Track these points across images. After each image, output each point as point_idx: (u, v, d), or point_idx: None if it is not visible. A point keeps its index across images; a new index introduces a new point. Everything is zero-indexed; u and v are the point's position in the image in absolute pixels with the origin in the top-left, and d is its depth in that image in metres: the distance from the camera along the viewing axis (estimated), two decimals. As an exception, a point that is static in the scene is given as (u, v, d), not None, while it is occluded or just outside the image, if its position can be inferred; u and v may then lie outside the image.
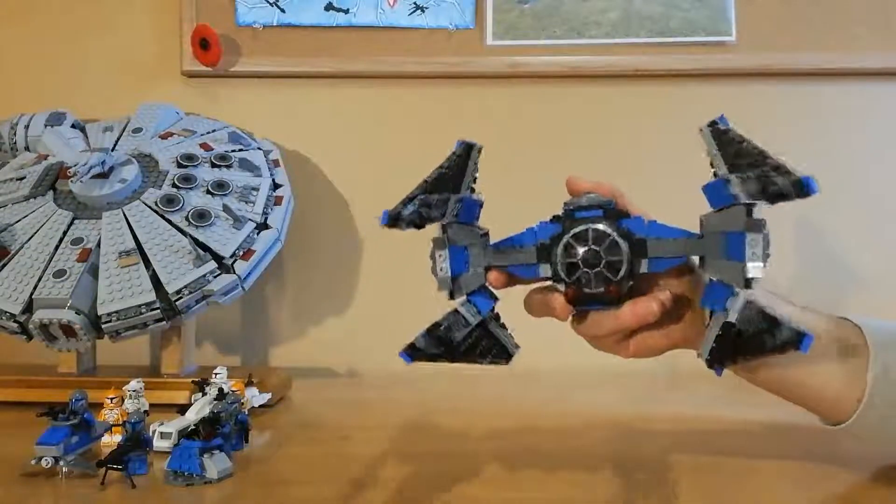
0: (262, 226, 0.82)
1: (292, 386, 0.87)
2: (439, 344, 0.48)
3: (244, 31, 0.99)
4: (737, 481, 0.57)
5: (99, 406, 0.62)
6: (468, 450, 0.65)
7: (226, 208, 0.79)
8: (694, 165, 1.01)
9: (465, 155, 0.56)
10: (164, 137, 0.89)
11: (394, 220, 0.50)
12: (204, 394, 0.65)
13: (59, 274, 0.75)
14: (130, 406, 0.62)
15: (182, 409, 0.62)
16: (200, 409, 0.61)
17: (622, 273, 0.47)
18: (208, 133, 0.91)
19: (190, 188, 0.81)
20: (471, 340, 0.50)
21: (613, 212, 0.49)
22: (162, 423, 0.61)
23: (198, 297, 0.76)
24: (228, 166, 0.85)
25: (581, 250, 0.48)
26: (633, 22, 0.97)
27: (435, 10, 0.98)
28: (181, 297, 0.75)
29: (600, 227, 0.48)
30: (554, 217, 0.51)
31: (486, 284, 0.51)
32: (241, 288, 0.79)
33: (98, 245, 0.78)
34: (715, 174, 0.51)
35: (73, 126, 0.91)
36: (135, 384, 0.63)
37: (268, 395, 0.74)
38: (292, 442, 0.68)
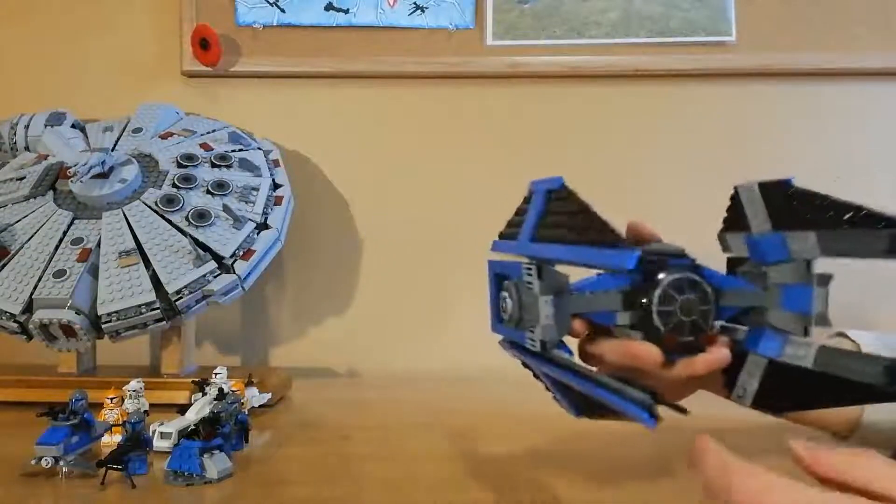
0: (262, 226, 0.82)
1: (292, 386, 0.87)
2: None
3: (244, 31, 0.99)
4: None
5: (99, 406, 0.61)
6: (468, 450, 0.65)
7: (226, 208, 0.79)
8: (694, 165, 1.02)
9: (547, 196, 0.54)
10: (164, 137, 0.89)
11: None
12: (204, 394, 0.65)
13: (59, 274, 0.75)
14: (130, 406, 0.61)
15: (182, 409, 0.62)
16: (200, 409, 0.61)
17: (710, 322, 0.47)
18: (208, 133, 0.91)
19: (190, 188, 0.81)
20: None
21: (692, 262, 0.49)
22: (162, 423, 0.61)
23: (198, 297, 0.76)
24: (228, 166, 0.85)
25: (680, 299, 0.47)
26: (633, 22, 0.97)
27: (435, 10, 0.98)
28: (181, 297, 0.75)
29: (695, 276, 0.48)
30: (632, 262, 0.48)
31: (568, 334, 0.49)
32: (241, 288, 0.79)
33: (98, 245, 0.78)
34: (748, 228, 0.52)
35: (73, 126, 0.91)
36: (135, 384, 0.63)
37: (268, 395, 0.74)
38: (292, 442, 0.68)
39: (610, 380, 0.42)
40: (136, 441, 0.55)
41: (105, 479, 0.53)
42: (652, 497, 0.55)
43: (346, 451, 0.65)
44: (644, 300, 0.47)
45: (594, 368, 0.49)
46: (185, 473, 0.54)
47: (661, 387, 0.47)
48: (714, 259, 0.54)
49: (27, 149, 0.90)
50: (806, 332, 0.47)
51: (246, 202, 0.82)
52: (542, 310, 0.47)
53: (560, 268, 0.52)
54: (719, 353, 0.48)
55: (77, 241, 0.78)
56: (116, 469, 0.53)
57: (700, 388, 0.54)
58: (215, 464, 0.54)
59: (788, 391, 0.46)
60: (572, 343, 0.51)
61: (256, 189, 0.84)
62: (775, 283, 0.49)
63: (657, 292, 0.47)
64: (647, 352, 0.46)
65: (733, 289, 0.49)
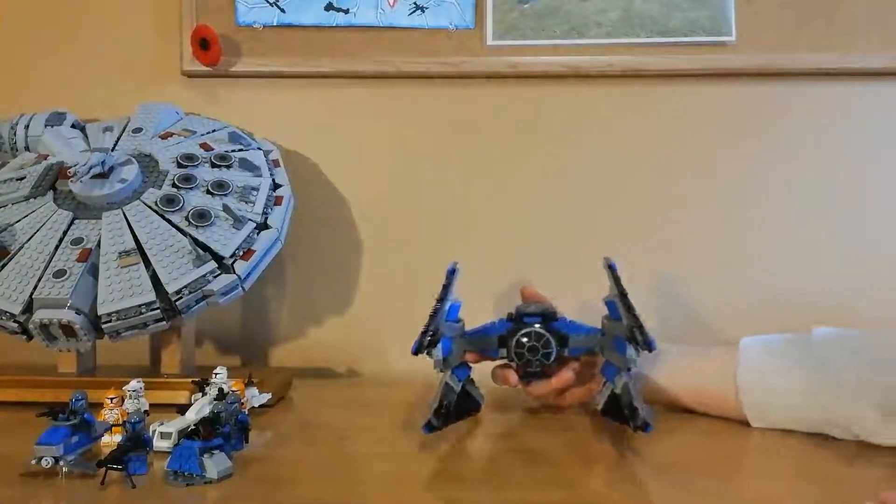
0: (262, 226, 0.82)
1: (292, 386, 0.87)
2: (446, 415, 0.67)
3: (244, 31, 0.99)
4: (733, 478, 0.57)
5: (99, 406, 0.61)
6: (468, 451, 0.65)
7: (226, 208, 0.79)
8: (693, 165, 1.02)
9: (452, 278, 0.72)
10: (164, 137, 0.89)
11: (418, 351, 0.69)
12: (204, 394, 0.65)
13: (59, 274, 0.75)
14: (130, 406, 0.62)
15: (182, 409, 0.62)
16: (200, 409, 0.61)
17: (552, 359, 0.72)
18: (208, 133, 0.91)
19: (190, 188, 0.81)
20: (458, 402, 0.69)
21: (549, 316, 0.73)
22: (162, 423, 0.61)
23: (198, 297, 0.76)
24: (228, 166, 0.85)
25: (527, 344, 0.72)
26: (633, 22, 0.97)
27: (435, 10, 0.98)
28: (181, 297, 0.75)
29: (539, 329, 0.72)
30: (509, 315, 0.75)
31: (464, 361, 0.74)
32: (241, 288, 0.79)
33: (98, 245, 0.78)
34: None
35: (73, 126, 0.91)
36: (135, 384, 0.63)
37: (268, 395, 0.74)
38: (292, 442, 0.68)
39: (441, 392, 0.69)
40: (136, 441, 0.55)
41: (105, 479, 0.53)
42: (658, 492, 0.55)
43: (346, 451, 0.65)
44: (508, 344, 0.72)
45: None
46: (185, 473, 0.54)
47: (550, 399, 0.76)
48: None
49: (27, 149, 0.91)
50: (628, 369, 0.67)
51: (246, 202, 0.82)
52: (434, 351, 0.70)
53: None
54: (559, 379, 0.73)
55: (77, 241, 0.78)
56: (116, 469, 0.53)
57: (578, 399, 0.77)
58: (215, 464, 0.54)
59: (614, 407, 0.66)
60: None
61: (256, 189, 0.84)
62: (610, 333, 0.72)
63: (513, 340, 0.72)
64: (507, 377, 0.73)
65: (579, 335, 0.73)
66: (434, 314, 0.69)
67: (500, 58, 0.98)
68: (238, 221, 0.79)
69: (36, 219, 0.80)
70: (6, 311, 0.75)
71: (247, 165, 0.86)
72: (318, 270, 1.02)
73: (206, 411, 0.60)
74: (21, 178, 0.84)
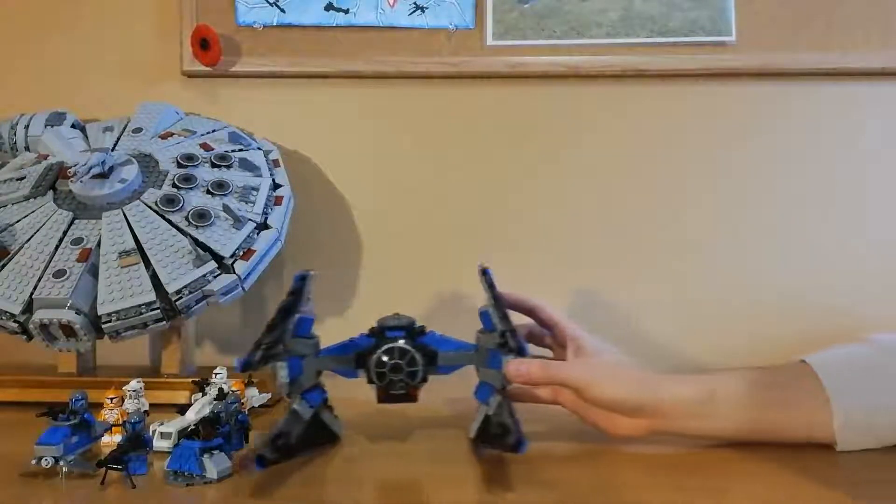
0: (262, 226, 0.82)
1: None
2: (285, 447, 0.58)
3: (244, 31, 0.99)
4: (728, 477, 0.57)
5: (99, 406, 0.61)
6: (469, 450, 0.65)
7: (226, 208, 0.79)
8: (693, 165, 1.02)
9: (301, 285, 0.67)
10: (164, 137, 0.89)
11: (246, 366, 0.57)
12: (204, 394, 0.65)
13: (59, 274, 0.75)
14: (130, 406, 0.62)
15: (182, 409, 0.62)
16: (200, 409, 0.61)
17: (418, 379, 0.62)
18: (208, 133, 0.91)
19: (190, 188, 0.81)
20: (306, 432, 0.61)
21: (414, 331, 0.64)
22: (162, 423, 0.61)
23: (198, 297, 0.76)
24: (228, 166, 0.85)
25: (389, 363, 0.62)
26: (633, 22, 0.97)
27: (435, 10, 0.98)
28: (181, 297, 0.75)
29: (404, 345, 0.63)
30: (370, 330, 0.65)
31: (319, 382, 0.65)
32: (241, 288, 0.79)
33: (98, 245, 0.78)
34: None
35: (73, 126, 0.91)
36: (135, 384, 0.63)
37: (268, 395, 0.74)
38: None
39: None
40: (136, 441, 0.55)
41: (105, 480, 0.53)
42: (657, 493, 0.55)
43: (346, 452, 0.65)
44: (368, 363, 0.63)
45: None
46: (185, 473, 0.54)
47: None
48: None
49: (27, 149, 0.90)
50: (503, 387, 0.61)
51: (246, 202, 0.82)
52: (279, 372, 0.61)
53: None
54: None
55: (77, 241, 0.78)
56: (116, 469, 0.53)
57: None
58: (215, 464, 0.54)
59: (486, 432, 0.59)
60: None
61: (256, 189, 0.84)
62: (484, 347, 0.64)
63: (374, 358, 0.62)
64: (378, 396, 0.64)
65: (449, 351, 0.64)
66: (272, 326, 0.61)
67: (499, 58, 0.98)
68: (238, 221, 0.79)
69: (36, 219, 0.80)
70: (6, 311, 0.75)
71: (247, 165, 0.86)
72: (318, 270, 1.02)
73: (206, 411, 0.60)
74: (21, 178, 0.84)
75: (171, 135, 0.89)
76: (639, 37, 0.97)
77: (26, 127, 0.90)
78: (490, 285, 0.65)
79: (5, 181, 0.85)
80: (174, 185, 0.81)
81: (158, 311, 0.75)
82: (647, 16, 0.97)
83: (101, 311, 0.74)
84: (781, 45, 0.96)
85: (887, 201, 0.97)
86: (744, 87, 0.98)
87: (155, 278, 0.75)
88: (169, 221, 0.79)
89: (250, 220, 0.81)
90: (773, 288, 0.97)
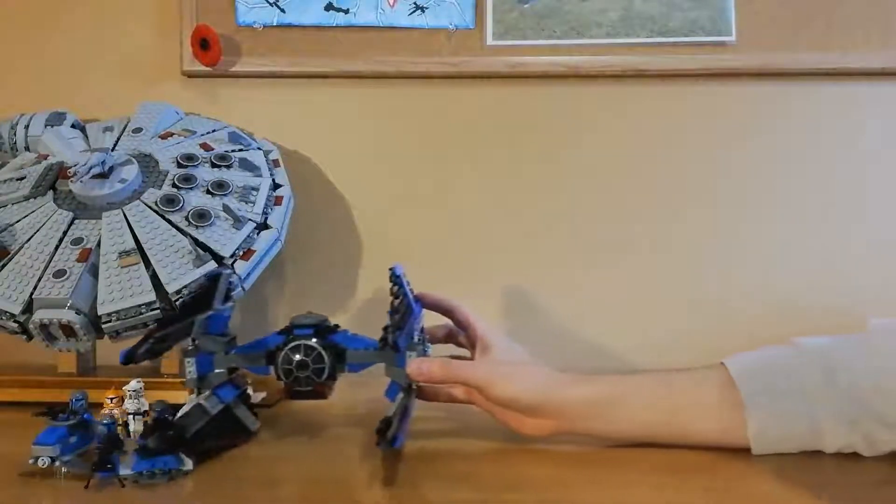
0: (262, 226, 0.82)
1: (292, 386, 0.87)
2: (173, 441, 0.57)
3: (244, 31, 0.99)
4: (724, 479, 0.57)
5: (99, 406, 0.62)
6: (468, 450, 0.65)
7: (226, 208, 0.79)
8: (693, 165, 1.02)
9: (214, 282, 0.68)
10: (164, 137, 0.89)
11: (129, 359, 0.59)
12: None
13: (59, 274, 0.75)
14: (130, 406, 0.62)
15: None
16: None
17: (325, 376, 0.63)
18: (208, 133, 0.91)
19: (190, 188, 0.81)
20: (214, 425, 0.61)
21: (324, 329, 0.65)
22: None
23: (198, 297, 0.76)
24: (228, 166, 0.85)
25: (296, 360, 0.63)
26: (633, 22, 0.97)
27: (435, 10, 0.98)
28: (181, 297, 0.75)
29: (310, 342, 0.63)
30: (282, 329, 0.66)
31: (233, 378, 0.66)
32: (241, 288, 0.79)
33: (98, 245, 0.78)
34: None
35: (73, 126, 0.91)
36: (135, 384, 0.63)
37: (262, 394, 0.74)
38: (292, 442, 0.68)
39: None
40: (114, 442, 0.55)
41: (89, 483, 0.53)
42: (652, 492, 0.55)
43: (347, 452, 0.65)
44: (276, 359, 0.63)
45: None
46: (161, 470, 0.54)
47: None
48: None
49: (27, 149, 0.90)
50: (409, 386, 0.62)
51: (246, 202, 0.82)
52: (186, 368, 0.63)
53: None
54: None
55: (77, 241, 0.78)
56: (108, 472, 0.53)
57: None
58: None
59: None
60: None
61: (256, 189, 0.84)
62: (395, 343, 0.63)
63: (281, 355, 0.63)
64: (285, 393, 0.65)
65: (358, 349, 0.64)
66: (166, 322, 0.61)
67: (499, 58, 0.98)
68: (238, 221, 0.79)
69: (36, 219, 0.80)
70: (6, 311, 0.75)
71: (247, 165, 0.86)
72: (318, 270, 1.02)
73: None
74: (21, 178, 0.84)
75: (171, 135, 0.89)
76: (639, 37, 0.97)
77: (26, 127, 0.90)
78: (399, 285, 0.66)
79: (5, 181, 0.85)
80: (174, 185, 0.81)
81: (158, 311, 0.75)
82: (647, 16, 0.97)
83: (101, 311, 0.74)
84: (781, 45, 0.96)
85: (887, 201, 0.97)
86: (744, 87, 0.98)
87: (155, 278, 0.75)
88: (169, 221, 0.79)
89: (250, 220, 0.81)
90: (773, 288, 0.97)
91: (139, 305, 0.74)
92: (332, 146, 1.02)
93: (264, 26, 0.99)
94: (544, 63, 0.98)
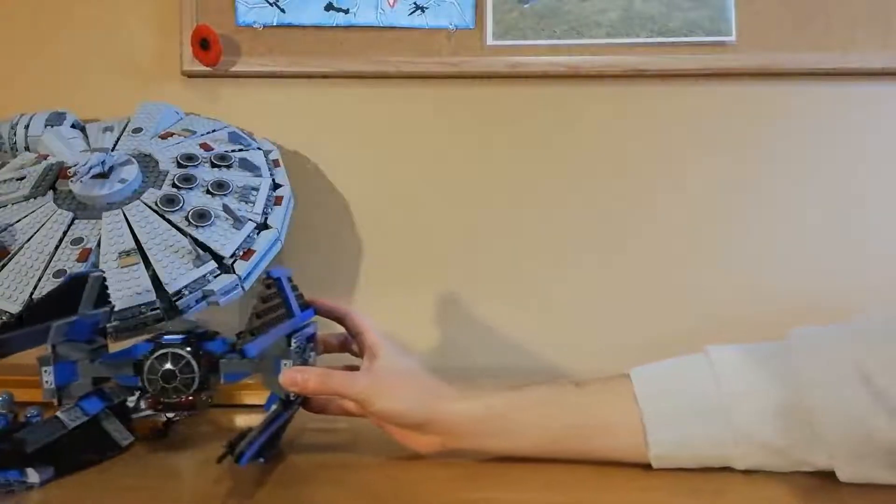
0: (262, 226, 0.82)
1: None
2: (11, 455, 0.54)
3: (244, 31, 0.99)
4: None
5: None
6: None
7: (226, 208, 0.79)
8: (693, 165, 1.02)
9: (80, 287, 0.63)
10: (164, 137, 0.89)
11: None
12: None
13: (59, 274, 0.75)
14: None
15: None
16: None
17: (194, 388, 0.59)
18: (208, 133, 0.91)
19: (190, 188, 0.81)
20: (77, 438, 0.58)
21: (198, 336, 0.61)
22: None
23: (198, 297, 0.76)
24: (228, 166, 0.85)
25: (161, 369, 0.59)
26: (633, 22, 0.97)
27: (435, 10, 0.98)
28: (181, 297, 0.75)
29: (178, 350, 0.59)
30: (152, 336, 0.63)
31: (103, 389, 0.62)
32: (241, 288, 0.79)
33: (98, 245, 0.78)
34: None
35: (73, 126, 0.91)
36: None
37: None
38: (292, 442, 0.68)
39: None
40: None
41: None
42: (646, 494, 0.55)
43: (347, 452, 0.65)
44: (142, 369, 0.59)
45: None
46: (3, 481, 0.52)
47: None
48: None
49: (27, 149, 0.90)
50: (288, 397, 0.60)
51: (246, 202, 0.82)
52: (44, 377, 0.58)
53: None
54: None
55: (77, 241, 0.78)
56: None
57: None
58: (38, 470, 0.53)
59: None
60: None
61: (256, 189, 0.84)
62: (270, 355, 0.60)
63: (146, 364, 0.60)
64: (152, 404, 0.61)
65: (233, 358, 0.60)
66: (8, 326, 0.57)
67: (499, 58, 0.98)
68: (238, 221, 0.79)
69: (36, 219, 0.80)
70: (6, 311, 0.75)
71: (247, 165, 0.86)
72: (317, 270, 1.02)
73: None
74: (21, 178, 0.84)
75: (171, 135, 0.89)
76: (639, 37, 0.97)
77: (26, 127, 0.90)
78: (280, 289, 0.62)
79: (5, 181, 0.85)
80: (174, 185, 0.81)
81: (159, 311, 0.75)
82: (647, 16, 0.97)
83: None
84: (781, 45, 0.96)
85: (888, 202, 0.97)
86: (744, 87, 0.98)
87: (155, 278, 0.75)
88: (169, 221, 0.79)
89: (250, 220, 0.81)
90: (773, 288, 0.97)
91: (139, 305, 0.74)
92: (332, 146, 1.02)
93: (264, 26, 0.99)
94: (544, 63, 0.98)
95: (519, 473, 0.58)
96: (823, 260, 0.97)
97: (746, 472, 0.57)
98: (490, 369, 0.99)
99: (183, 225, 0.78)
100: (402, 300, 1.01)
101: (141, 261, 0.76)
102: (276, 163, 0.90)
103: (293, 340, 0.60)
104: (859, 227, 0.97)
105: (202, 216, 0.79)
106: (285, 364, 0.59)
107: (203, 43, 0.97)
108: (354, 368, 0.64)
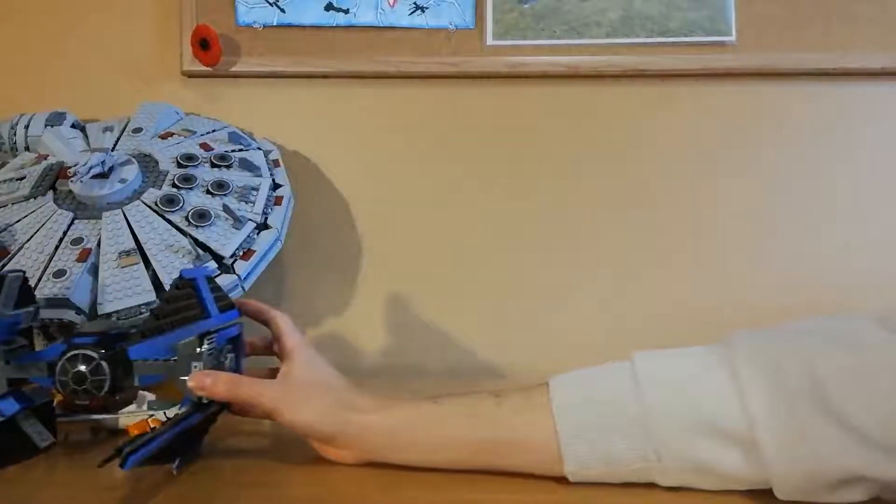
0: (262, 226, 0.82)
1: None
2: None
3: (244, 31, 0.99)
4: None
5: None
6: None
7: (226, 208, 0.79)
8: (693, 165, 1.02)
9: None
10: (164, 137, 0.89)
11: None
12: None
13: (59, 274, 0.75)
14: None
15: None
16: None
17: (105, 390, 0.57)
18: (208, 133, 0.91)
19: (190, 188, 0.81)
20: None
21: (112, 337, 0.59)
22: None
23: (198, 297, 0.76)
24: (228, 166, 0.85)
25: (72, 370, 0.57)
26: (633, 22, 0.97)
27: (435, 10, 0.98)
28: (181, 297, 0.75)
29: (89, 352, 0.57)
30: (65, 338, 0.60)
31: (21, 390, 0.60)
32: (241, 288, 0.79)
33: (98, 245, 0.78)
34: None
35: (73, 126, 0.91)
36: None
37: None
38: (292, 441, 0.68)
39: None
40: None
41: None
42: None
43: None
44: (55, 370, 0.58)
45: None
46: None
47: None
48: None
49: (27, 149, 0.90)
50: (200, 400, 0.57)
51: (246, 202, 0.82)
52: None
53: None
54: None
55: (77, 241, 0.78)
56: None
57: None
58: None
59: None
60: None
61: (256, 189, 0.84)
62: (183, 357, 0.58)
63: (58, 366, 0.58)
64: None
65: (147, 360, 0.58)
66: None
67: (499, 58, 0.98)
68: (238, 221, 0.79)
69: (36, 219, 0.80)
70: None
71: (247, 165, 0.86)
72: (318, 270, 1.02)
73: None
74: (21, 178, 0.84)
75: (171, 135, 0.89)
76: (639, 37, 0.97)
77: (26, 127, 0.90)
78: (195, 289, 0.60)
79: (5, 181, 0.85)
80: (174, 185, 0.81)
81: (158, 311, 0.75)
82: (646, 16, 0.97)
83: (100, 311, 0.74)
84: (781, 45, 0.96)
85: (888, 202, 0.97)
86: (744, 87, 0.98)
87: (155, 278, 0.75)
88: (169, 221, 0.78)
89: (250, 220, 0.81)
90: (773, 288, 0.97)
91: (139, 305, 0.74)
92: (332, 146, 1.02)
93: (264, 26, 0.99)
94: (544, 63, 0.98)
95: (520, 474, 0.58)
96: (823, 259, 0.97)
97: (674, 489, 0.53)
98: (491, 369, 1.00)
99: (183, 225, 0.78)
100: (401, 300, 1.01)
101: (141, 261, 0.76)
102: (276, 163, 0.90)
103: (206, 342, 0.58)
104: (860, 227, 0.97)
105: (202, 216, 0.79)
106: (195, 367, 0.57)
107: (203, 43, 0.97)
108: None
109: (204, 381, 0.56)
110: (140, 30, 1.02)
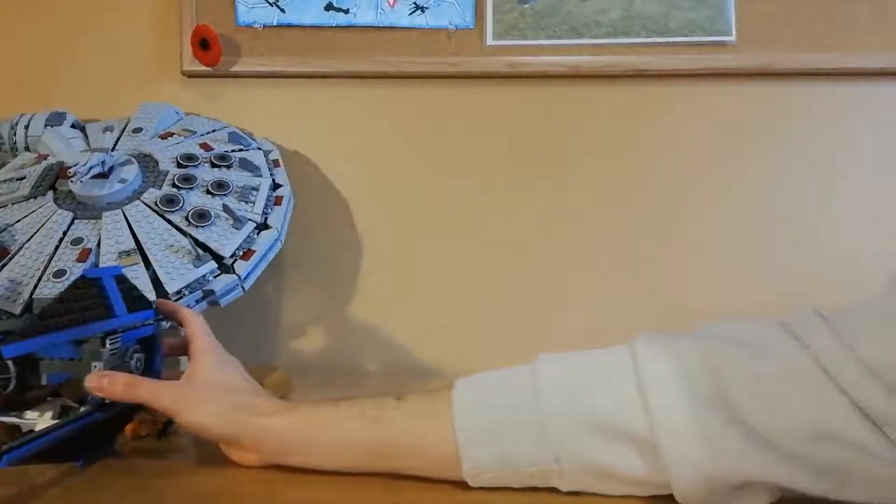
0: (262, 226, 0.82)
1: (292, 386, 0.87)
2: None
3: (244, 31, 0.99)
4: None
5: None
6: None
7: (226, 208, 0.79)
8: (693, 165, 1.02)
9: None
10: (164, 137, 0.89)
11: None
12: None
13: (59, 274, 0.75)
14: None
15: None
16: None
17: (10, 388, 0.55)
18: (208, 133, 0.91)
19: (190, 188, 0.81)
20: None
21: (14, 335, 0.57)
22: None
23: (198, 297, 0.76)
24: (228, 166, 0.85)
25: None
26: (633, 22, 0.97)
27: (435, 10, 0.98)
28: (181, 297, 0.75)
29: None
30: None
31: None
32: (241, 288, 0.79)
33: (98, 245, 0.78)
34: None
35: (73, 126, 0.91)
36: None
37: None
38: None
39: None
40: None
41: None
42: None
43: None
44: None
45: None
46: None
47: None
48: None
49: (27, 149, 0.90)
50: (103, 401, 0.56)
51: (246, 202, 0.82)
52: None
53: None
54: None
55: (77, 241, 0.78)
56: None
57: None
58: None
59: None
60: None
61: (256, 189, 0.84)
62: (88, 355, 0.57)
63: None
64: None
65: (54, 360, 0.57)
66: None
67: (499, 58, 0.98)
68: (238, 221, 0.79)
69: (36, 219, 0.80)
70: (6, 312, 0.75)
71: (247, 165, 0.86)
72: (318, 270, 1.02)
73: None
74: (21, 178, 0.84)
75: (171, 135, 0.89)
76: (639, 37, 0.97)
77: (26, 127, 0.90)
78: (101, 287, 0.59)
79: (5, 181, 0.85)
80: (174, 185, 0.81)
81: (158, 311, 0.75)
82: (646, 16, 0.97)
83: (100, 311, 0.74)
84: (781, 45, 0.96)
85: (887, 202, 0.97)
86: (743, 87, 0.98)
87: (155, 278, 0.75)
88: (169, 221, 0.79)
89: (250, 220, 0.81)
90: (773, 288, 0.97)
91: (139, 305, 0.74)
92: (332, 146, 1.02)
93: (264, 26, 0.99)
94: (544, 63, 0.98)
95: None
96: (823, 259, 0.97)
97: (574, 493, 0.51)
98: (491, 369, 0.99)
99: (183, 225, 0.78)
100: (401, 300, 1.01)
101: (141, 261, 0.76)
102: (276, 163, 0.90)
103: (108, 342, 0.57)
104: (859, 226, 0.97)
105: (202, 216, 0.79)
106: (95, 366, 0.56)
107: (203, 43, 0.97)
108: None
109: (101, 382, 0.55)
110: (140, 30, 1.02)
